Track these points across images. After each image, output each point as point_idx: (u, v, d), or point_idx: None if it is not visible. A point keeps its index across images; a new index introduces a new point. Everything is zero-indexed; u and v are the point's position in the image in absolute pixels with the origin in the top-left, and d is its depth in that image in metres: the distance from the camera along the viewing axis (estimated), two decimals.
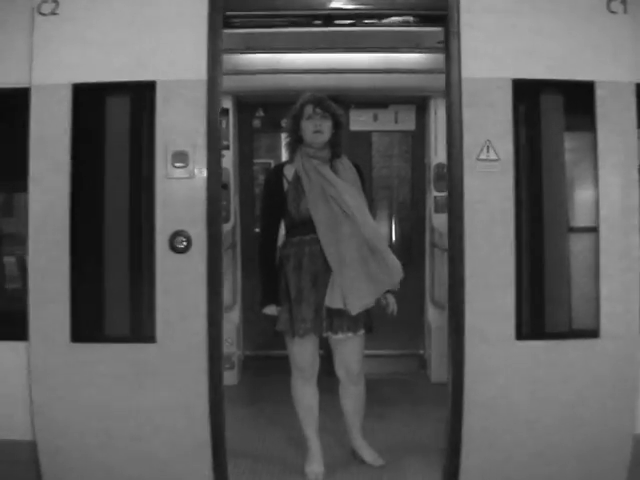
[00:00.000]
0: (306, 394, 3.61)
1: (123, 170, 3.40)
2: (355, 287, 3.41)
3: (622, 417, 3.22)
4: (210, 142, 3.32)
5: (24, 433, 3.39)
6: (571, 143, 3.41)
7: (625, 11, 3.28)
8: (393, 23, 3.61)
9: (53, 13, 3.37)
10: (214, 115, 3.32)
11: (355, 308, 3.36)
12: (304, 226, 3.51)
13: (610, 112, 3.23)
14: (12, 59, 3.38)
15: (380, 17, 3.58)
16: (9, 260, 3.56)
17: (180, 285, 3.31)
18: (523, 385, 3.23)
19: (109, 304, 3.38)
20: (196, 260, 3.30)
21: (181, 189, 3.33)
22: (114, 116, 3.41)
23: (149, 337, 3.33)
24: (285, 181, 3.61)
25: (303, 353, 3.56)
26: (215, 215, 3.32)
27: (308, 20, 3.60)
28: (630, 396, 3.21)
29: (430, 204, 5.45)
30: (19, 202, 3.53)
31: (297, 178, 3.58)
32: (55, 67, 3.34)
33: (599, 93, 3.24)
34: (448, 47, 3.29)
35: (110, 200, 3.40)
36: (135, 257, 3.39)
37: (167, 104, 3.32)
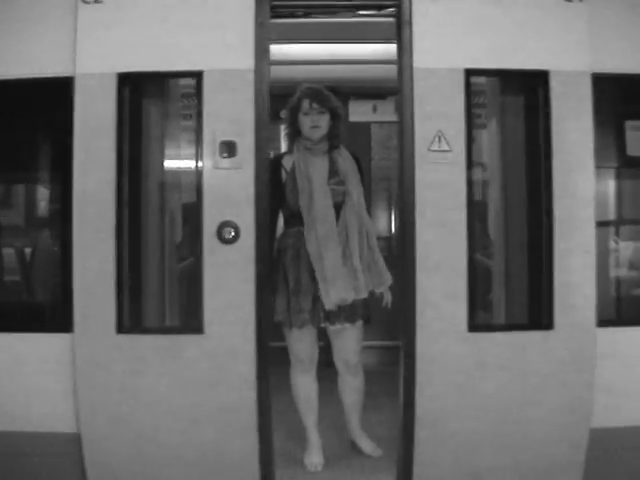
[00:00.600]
0: (305, 385, 3.62)
1: (169, 159, 3.41)
2: (332, 281, 3.43)
3: (578, 411, 3.22)
4: (258, 132, 3.31)
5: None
6: (526, 133, 3.43)
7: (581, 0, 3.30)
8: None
9: (97, 1, 3.33)
10: (261, 105, 3.32)
11: (330, 302, 3.36)
12: (302, 217, 3.51)
13: (565, 101, 3.22)
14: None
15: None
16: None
17: (228, 275, 3.29)
18: (476, 376, 3.22)
19: (156, 295, 3.38)
20: (244, 250, 3.29)
21: (229, 179, 3.31)
22: (159, 105, 3.42)
23: (196, 328, 3.31)
24: (284, 172, 3.62)
25: (301, 344, 3.55)
26: (263, 205, 3.32)
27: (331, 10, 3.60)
28: (586, 389, 3.21)
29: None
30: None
31: (294, 169, 3.58)
32: (100, 56, 3.31)
33: (554, 82, 3.21)
34: (400, 37, 3.25)
35: (156, 190, 3.39)
36: (182, 247, 3.40)
37: (214, 93, 3.31)
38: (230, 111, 3.31)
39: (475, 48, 3.20)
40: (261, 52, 3.32)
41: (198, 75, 3.31)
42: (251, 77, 3.31)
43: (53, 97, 3.35)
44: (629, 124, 3.49)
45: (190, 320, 3.34)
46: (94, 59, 3.31)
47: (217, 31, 3.32)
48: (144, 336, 3.33)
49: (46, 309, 3.48)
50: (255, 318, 3.30)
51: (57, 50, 3.34)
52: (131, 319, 3.34)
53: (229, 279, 3.30)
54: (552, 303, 3.21)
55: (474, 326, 3.22)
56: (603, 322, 3.31)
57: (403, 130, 3.30)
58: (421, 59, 3.20)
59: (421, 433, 3.29)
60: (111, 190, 3.29)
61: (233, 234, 3.30)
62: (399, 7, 3.31)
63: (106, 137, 3.30)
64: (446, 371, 3.25)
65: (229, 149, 3.31)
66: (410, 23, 3.23)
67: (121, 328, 3.32)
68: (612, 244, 3.50)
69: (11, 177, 3.62)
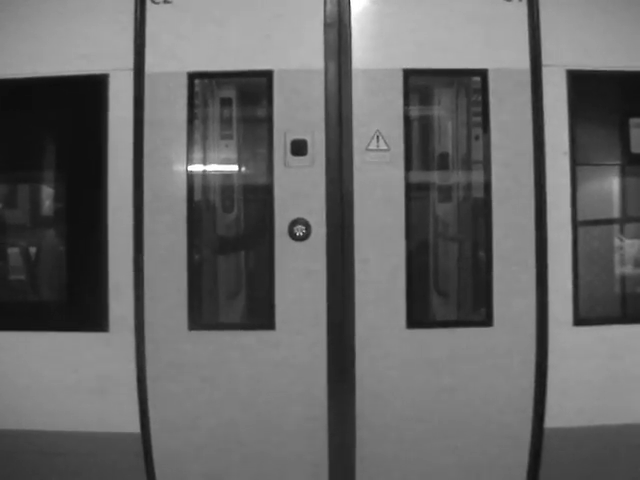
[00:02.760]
0: None
1: (238, 157, 3.47)
2: None
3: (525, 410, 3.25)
4: (329, 130, 3.35)
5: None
6: (467, 130, 3.57)
7: None
8: None
9: (166, 2, 3.36)
10: (332, 104, 3.37)
11: None
12: None
13: (503, 99, 3.28)
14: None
15: None
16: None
17: (299, 272, 3.32)
18: (416, 374, 3.26)
19: (227, 291, 3.42)
20: (315, 247, 3.31)
21: (300, 177, 3.34)
22: (229, 104, 3.49)
23: (267, 324, 3.33)
24: None
25: None
26: (334, 203, 3.35)
27: None
28: (530, 389, 3.22)
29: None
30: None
31: None
32: (169, 56, 3.33)
33: (492, 80, 3.27)
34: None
35: (225, 187, 3.47)
36: (254, 244, 3.43)
37: (285, 93, 3.34)
38: (300, 110, 3.34)
39: (415, 48, 3.30)
40: (330, 52, 3.37)
41: (268, 75, 3.35)
42: (321, 77, 3.35)
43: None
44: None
45: (261, 317, 3.38)
46: (164, 58, 3.34)
47: (288, 31, 3.36)
48: (216, 332, 3.35)
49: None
50: (326, 315, 3.32)
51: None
52: (204, 316, 3.37)
53: (300, 275, 3.32)
54: (491, 301, 3.26)
55: (412, 323, 3.28)
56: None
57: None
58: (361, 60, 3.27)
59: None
60: (182, 186, 3.31)
61: (304, 231, 3.33)
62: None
63: (177, 135, 3.31)
64: (385, 368, 3.30)
65: (300, 148, 3.33)
66: (349, 25, 3.35)
67: (193, 325, 3.32)
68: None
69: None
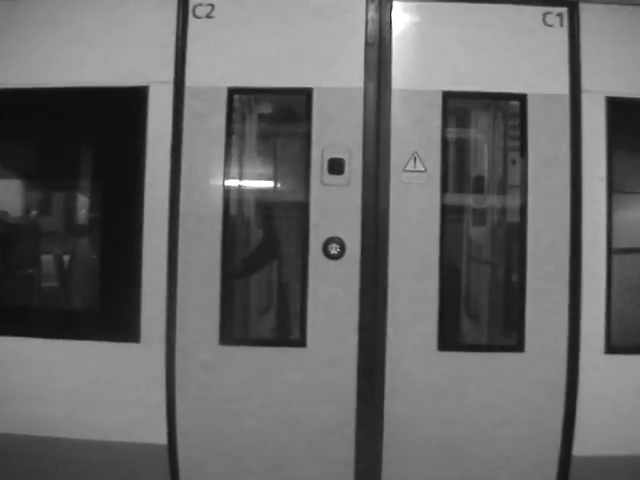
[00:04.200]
0: None
1: (275, 172, 3.49)
2: None
3: (553, 437, 3.24)
4: (366, 149, 3.36)
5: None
6: (504, 154, 3.63)
7: (562, 24, 3.40)
8: None
9: (208, 17, 3.38)
10: (370, 123, 3.37)
11: None
12: None
13: (542, 124, 3.31)
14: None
15: None
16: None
17: (332, 291, 3.32)
18: (445, 396, 3.27)
19: (260, 307, 3.45)
20: (349, 266, 3.31)
21: (336, 195, 3.34)
22: (267, 120, 3.53)
23: (299, 341, 3.33)
24: None
25: None
26: (370, 222, 3.35)
27: None
28: (559, 415, 3.22)
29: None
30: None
31: None
32: (210, 70, 3.35)
33: (531, 105, 3.30)
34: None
35: (261, 202, 3.49)
36: (287, 262, 3.46)
37: (323, 111, 3.35)
38: (339, 129, 3.35)
39: (454, 72, 3.32)
40: (370, 72, 3.37)
41: (307, 93, 3.36)
42: (360, 96, 3.35)
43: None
44: None
45: (293, 333, 3.39)
46: (205, 73, 3.36)
47: (328, 50, 3.37)
48: (247, 348, 3.35)
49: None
50: (358, 334, 3.31)
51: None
52: (235, 331, 3.39)
53: (333, 294, 3.33)
54: (523, 326, 3.27)
55: (444, 345, 3.30)
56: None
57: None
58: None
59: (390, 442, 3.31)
60: (218, 200, 3.33)
61: (339, 250, 3.33)
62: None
63: (214, 149, 3.34)
64: (415, 390, 3.31)
65: (337, 166, 3.34)
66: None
67: (224, 339, 3.32)
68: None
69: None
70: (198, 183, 3.33)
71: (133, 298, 3.29)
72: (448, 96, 3.35)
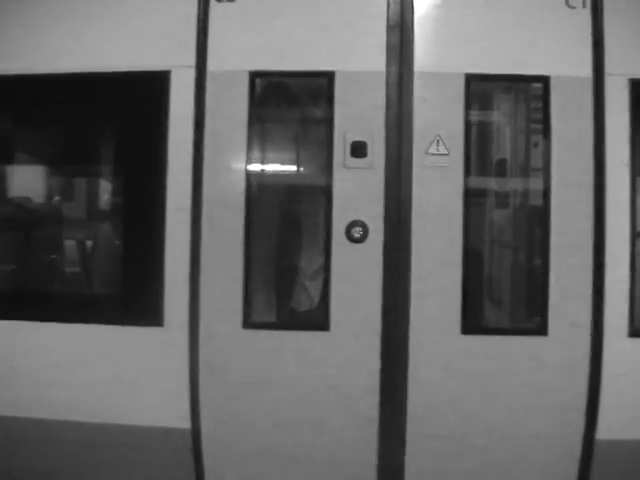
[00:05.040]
0: None
1: (297, 159, 3.52)
2: None
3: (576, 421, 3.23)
4: (389, 132, 3.36)
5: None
6: (526, 137, 3.64)
7: (584, 6, 3.38)
8: None
9: (229, 0, 3.38)
10: (393, 106, 3.38)
11: None
12: None
13: (565, 107, 3.30)
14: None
15: None
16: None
17: (355, 274, 3.32)
18: (469, 379, 3.28)
19: (282, 292, 3.47)
20: (372, 250, 3.32)
21: (359, 179, 3.35)
22: (289, 104, 3.54)
23: (322, 325, 3.34)
24: None
25: None
26: (393, 205, 3.36)
27: None
28: (582, 397, 3.21)
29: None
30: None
31: None
32: (231, 54, 3.36)
33: (554, 88, 3.29)
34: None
35: (284, 186, 3.52)
36: (311, 245, 3.46)
37: (346, 94, 3.35)
38: (361, 112, 3.35)
39: (479, 53, 3.32)
40: (392, 54, 3.38)
41: (330, 76, 3.36)
42: (382, 79, 3.36)
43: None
44: None
45: (316, 317, 3.40)
46: (225, 57, 3.37)
47: (350, 32, 3.37)
48: (270, 332, 3.38)
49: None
50: (381, 318, 3.33)
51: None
52: (258, 315, 3.40)
53: (357, 277, 3.33)
54: (546, 309, 3.24)
55: (467, 329, 3.29)
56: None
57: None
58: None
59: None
60: (241, 184, 3.34)
61: (362, 233, 3.34)
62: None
63: (237, 134, 3.35)
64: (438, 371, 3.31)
65: (360, 149, 3.35)
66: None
67: (247, 323, 3.35)
68: None
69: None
70: (220, 168, 3.34)
71: (156, 282, 3.31)
72: (471, 78, 3.34)
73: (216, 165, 3.34)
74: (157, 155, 3.35)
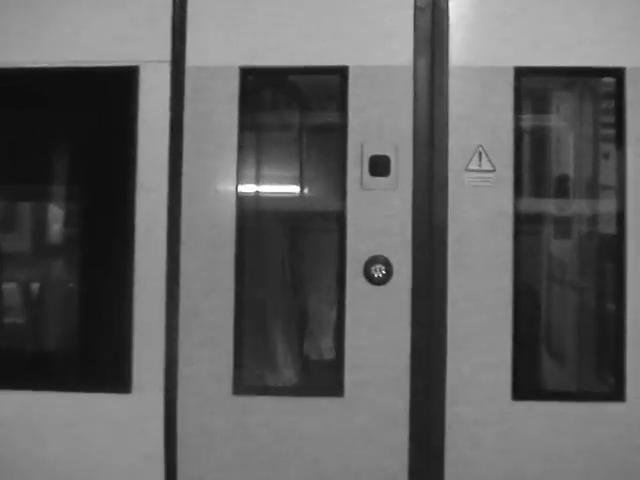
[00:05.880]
0: None
1: (303, 174, 3.69)
2: None
3: None
4: (417, 144, 3.51)
5: None
6: (594, 146, 3.74)
7: None
8: None
9: None
10: (422, 110, 3.52)
11: None
12: None
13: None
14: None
15: None
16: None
17: (376, 325, 3.48)
18: (522, 459, 3.40)
19: (285, 346, 3.66)
20: (398, 293, 3.47)
21: (380, 203, 3.50)
22: (291, 107, 3.73)
23: (335, 389, 3.51)
24: None
25: None
26: (423, 237, 3.49)
27: None
28: None
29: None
30: None
31: None
32: (217, 47, 3.55)
33: (630, 82, 3.42)
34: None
35: (286, 212, 3.69)
36: (319, 288, 3.63)
37: (363, 94, 3.50)
38: (382, 118, 3.50)
39: (528, 47, 3.45)
40: (422, 45, 3.52)
41: (342, 72, 3.51)
42: (409, 76, 3.50)
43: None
44: None
45: (327, 380, 3.56)
46: (209, 49, 3.55)
47: (367, 18, 3.52)
48: (268, 399, 3.53)
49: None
50: (410, 381, 3.48)
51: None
52: (253, 377, 3.58)
53: (378, 330, 3.48)
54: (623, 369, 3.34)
55: (519, 393, 3.39)
56: None
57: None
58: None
59: None
60: (230, 211, 3.51)
61: (384, 272, 3.47)
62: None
63: (225, 144, 3.52)
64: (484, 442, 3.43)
65: (380, 166, 3.49)
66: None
67: (239, 388, 3.51)
68: None
69: None
70: (204, 188, 3.52)
71: (122, 336, 3.47)
72: (522, 73, 3.47)
73: (198, 185, 3.52)
74: (122, 170, 3.51)
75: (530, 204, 3.67)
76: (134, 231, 3.50)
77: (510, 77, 3.48)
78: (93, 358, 3.61)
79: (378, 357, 3.48)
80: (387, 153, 3.49)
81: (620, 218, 3.46)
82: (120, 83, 3.55)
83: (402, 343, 3.48)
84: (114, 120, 3.59)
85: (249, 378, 3.57)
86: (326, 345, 3.68)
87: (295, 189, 3.77)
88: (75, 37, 3.57)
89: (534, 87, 3.73)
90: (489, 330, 3.46)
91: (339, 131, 3.52)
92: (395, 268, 3.48)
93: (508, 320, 3.45)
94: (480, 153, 3.49)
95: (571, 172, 3.92)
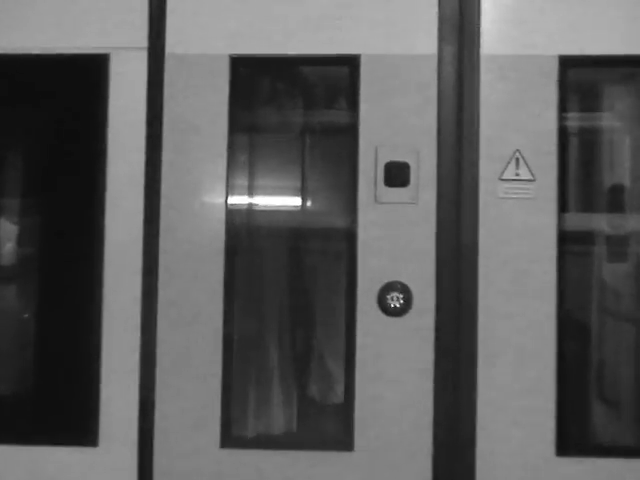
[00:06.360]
0: None
1: (304, 183, 3.71)
2: None
3: None
4: (442, 148, 3.52)
5: None
6: None
7: None
8: None
9: None
10: (448, 107, 3.52)
11: None
12: None
13: None
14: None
15: None
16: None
17: (393, 364, 3.48)
18: None
19: (282, 390, 3.65)
20: (418, 327, 3.47)
21: (397, 219, 3.51)
22: (291, 103, 3.72)
23: (344, 442, 3.51)
24: None
25: None
26: (449, 259, 3.49)
27: None
28: None
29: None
30: None
31: None
32: (202, 32, 3.60)
33: None
34: None
35: (284, 229, 3.69)
36: (324, 319, 3.65)
37: (377, 89, 3.51)
38: (399, 116, 3.51)
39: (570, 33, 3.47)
40: (447, 30, 3.54)
41: (352, 62, 3.52)
42: (432, 66, 3.52)
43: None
44: None
45: (333, 430, 3.58)
46: (194, 35, 3.59)
47: (383, 4, 3.56)
48: (264, 453, 3.52)
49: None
50: (432, 431, 3.47)
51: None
52: (244, 427, 3.59)
53: (395, 369, 3.48)
54: None
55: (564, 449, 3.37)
56: None
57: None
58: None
59: None
60: (219, 227, 3.53)
61: (402, 302, 3.48)
62: None
63: (213, 146, 3.53)
64: None
65: (398, 174, 3.50)
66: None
67: (228, 441, 3.52)
68: None
69: None
70: (186, 198, 3.54)
71: (87, 378, 3.49)
72: (568, 63, 3.49)
73: (178, 194, 3.54)
74: (89, 175, 3.56)
75: (577, 220, 3.67)
76: (103, 252, 3.52)
77: (554, 67, 3.49)
78: (53, 405, 3.62)
79: (394, 405, 3.48)
80: (406, 159, 3.50)
81: None
82: (87, 73, 3.60)
83: (423, 389, 3.49)
84: (78, 118, 3.64)
85: (240, 428, 3.58)
86: (332, 389, 3.68)
87: (296, 202, 3.80)
88: (37, 21, 3.63)
89: (582, 80, 3.74)
90: (528, 371, 3.45)
91: (349, 132, 3.54)
92: (415, 297, 3.49)
93: (551, 359, 3.46)
94: (517, 159, 3.49)
95: (627, 182, 3.89)
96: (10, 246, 3.89)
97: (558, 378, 3.44)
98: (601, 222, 3.80)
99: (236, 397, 3.57)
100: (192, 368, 3.50)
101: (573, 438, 3.51)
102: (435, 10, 3.52)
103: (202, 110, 3.55)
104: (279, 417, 3.66)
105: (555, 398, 3.43)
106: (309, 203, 3.83)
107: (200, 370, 3.49)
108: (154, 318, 3.49)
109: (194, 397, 3.50)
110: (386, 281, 3.49)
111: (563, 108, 3.51)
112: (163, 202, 3.51)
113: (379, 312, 3.49)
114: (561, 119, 3.50)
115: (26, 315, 3.76)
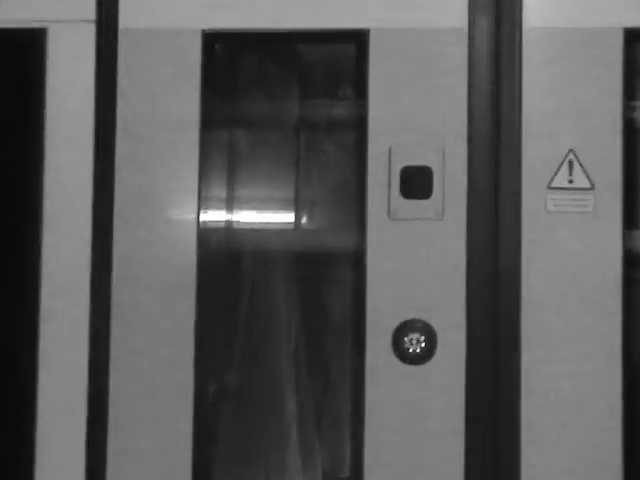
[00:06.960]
0: None
1: (298, 194, 3.45)
2: None
3: None
4: (475, 148, 3.26)
5: None
6: None
7: None
8: None
9: None
10: (482, 94, 3.24)
11: None
12: None
13: None
14: None
15: None
16: None
17: (411, 428, 3.20)
18: None
19: (270, 453, 3.36)
20: (444, 376, 3.24)
21: (418, 239, 3.27)
22: (282, 90, 3.44)
23: None
24: None
25: None
26: (483, 291, 3.23)
27: None
28: None
29: None
30: None
31: None
32: (168, 3, 3.34)
33: None
34: None
35: (274, 251, 3.39)
36: (325, 367, 3.42)
37: (391, 72, 3.26)
38: (419, 106, 3.29)
39: None
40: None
41: (360, 38, 3.33)
42: (463, 43, 3.26)
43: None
44: None
45: None
46: (155, 6, 3.32)
47: None
48: None
49: None
50: None
51: None
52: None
53: (413, 436, 3.23)
54: None
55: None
56: None
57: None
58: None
59: None
60: (189, 246, 3.22)
61: (423, 345, 3.23)
62: None
63: (180, 143, 3.27)
64: None
65: (418, 182, 3.27)
66: None
67: None
68: None
69: None
70: (146, 211, 3.31)
71: (18, 448, 3.27)
72: (634, 37, 3.26)
73: (135, 202, 3.29)
74: (22, 176, 3.34)
75: None
76: (38, 273, 3.25)
77: (617, 44, 3.22)
78: None
79: (413, 465, 3.20)
80: (428, 162, 3.25)
81: None
82: (19, 51, 3.37)
83: (454, 447, 3.17)
84: (8, 101, 3.41)
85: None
86: (336, 457, 3.42)
87: (288, 217, 3.55)
88: None
89: None
90: (584, 429, 3.15)
91: (355, 128, 3.35)
92: (440, 339, 3.23)
93: (617, 413, 3.13)
94: (571, 162, 3.23)
95: None
96: None
97: (625, 438, 3.14)
98: None
99: (207, 462, 3.34)
100: (156, 423, 3.24)
101: None
102: None
103: (166, 100, 3.32)
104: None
105: (621, 452, 3.13)
106: (305, 219, 3.57)
107: (167, 424, 3.21)
108: (104, 357, 3.21)
109: (163, 453, 3.21)
110: (403, 319, 3.23)
111: (630, 95, 3.31)
112: (116, 218, 3.25)
113: (394, 358, 3.20)
114: (627, 109, 3.27)
115: None
